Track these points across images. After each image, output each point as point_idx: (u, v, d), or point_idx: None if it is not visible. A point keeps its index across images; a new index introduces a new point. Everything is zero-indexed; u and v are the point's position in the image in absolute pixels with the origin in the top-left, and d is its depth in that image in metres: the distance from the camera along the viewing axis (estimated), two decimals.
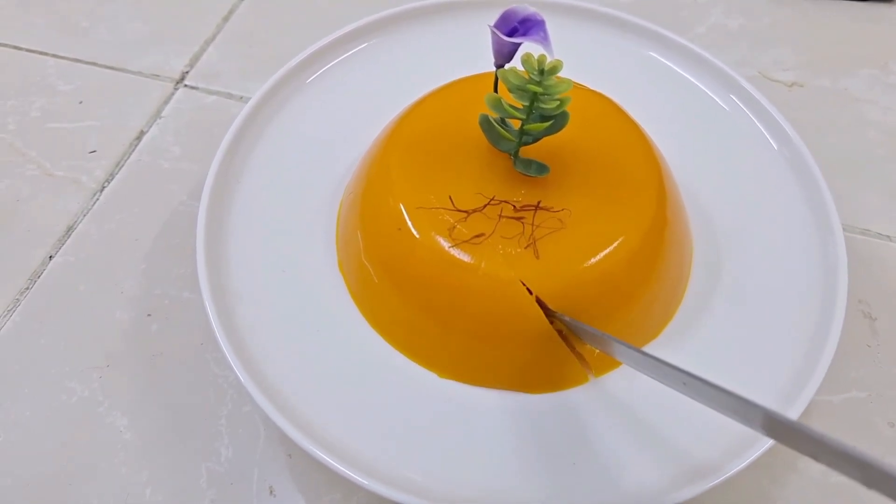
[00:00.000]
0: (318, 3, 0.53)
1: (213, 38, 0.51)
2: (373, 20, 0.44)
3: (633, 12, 0.45)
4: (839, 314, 0.33)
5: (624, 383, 0.33)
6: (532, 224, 0.31)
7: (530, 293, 0.30)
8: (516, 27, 0.28)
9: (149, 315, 0.38)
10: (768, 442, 0.29)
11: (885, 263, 0.40)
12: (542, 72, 0.28)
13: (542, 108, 0.29)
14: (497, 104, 0.30)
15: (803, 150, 0.39)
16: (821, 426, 0.34)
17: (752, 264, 0.36)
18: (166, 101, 0.47)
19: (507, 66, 0.30)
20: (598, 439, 0.31)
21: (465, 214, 0.31)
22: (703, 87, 0.43)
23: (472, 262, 0.30)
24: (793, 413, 0.30)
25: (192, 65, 0.49)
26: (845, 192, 0.42)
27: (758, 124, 0.41)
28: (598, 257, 0.31)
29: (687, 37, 0.50)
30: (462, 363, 0.33)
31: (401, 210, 0.32)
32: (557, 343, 0.31)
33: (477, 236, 0.30)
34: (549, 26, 0.29)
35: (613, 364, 0.33)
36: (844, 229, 0.36)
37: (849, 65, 0.50)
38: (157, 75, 0.49)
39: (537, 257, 0.30)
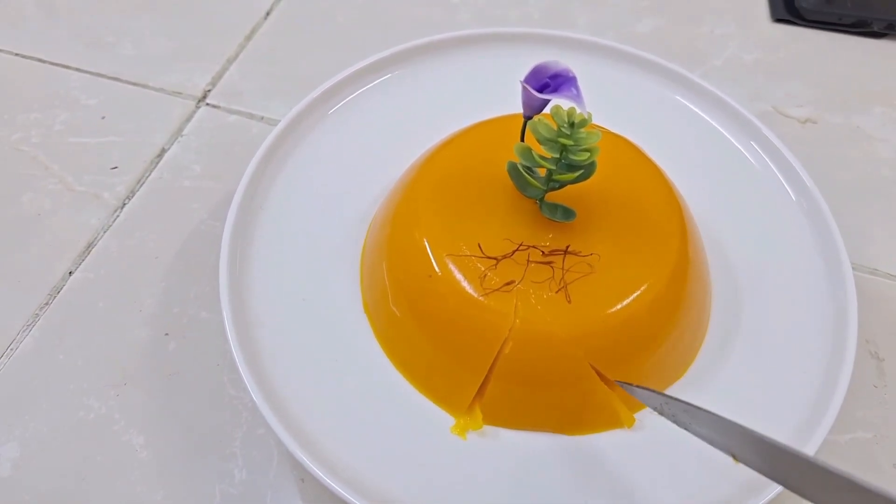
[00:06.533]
0: (339, 24, 0.54)
1: (236, 56, 0.51)
2: (398, 51, 0.44)
3: (651, 44, 0.45)
4: (848, 361, 0.33)
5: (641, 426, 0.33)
6: (562, 268, 0.31)
7: None
8: (547, 82, 0.29)
9: (166, 334, 0.38)
10: None
11: (894, 304, 0.41)
12: (572, 125, 0.29)
13: (572, 160, 0.29)
14: (527, 154, 0.30)
15: (821, 203, 0.39)
16: None
17: (768, 309, 0.37)
18: (188, 119, 0.48)
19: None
20: (615, 480, 0.32)
21: (494, 261, 0.31)
22: (725, 133, 0.43)
23: (507, 311, 0.30)
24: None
25: (214, 83, 0.50)
26: (855, 229, 0.43)
27: (777, 174, 0.41)
28: (626, 301, 0.31)
29: (703, 69, 0.51)
30: (498, 408, 0.33)
31: (430, 258, 0.32)
32: (599, 387, 0.32)
33: (507, 283, 0.31)
34: (565, 62, 0.29)
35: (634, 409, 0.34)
36: (853, 269, 0.37)
37: (862, 101, 0.51)
38: (180, 93, 0.49)
39: (569, 301, 0.30)
